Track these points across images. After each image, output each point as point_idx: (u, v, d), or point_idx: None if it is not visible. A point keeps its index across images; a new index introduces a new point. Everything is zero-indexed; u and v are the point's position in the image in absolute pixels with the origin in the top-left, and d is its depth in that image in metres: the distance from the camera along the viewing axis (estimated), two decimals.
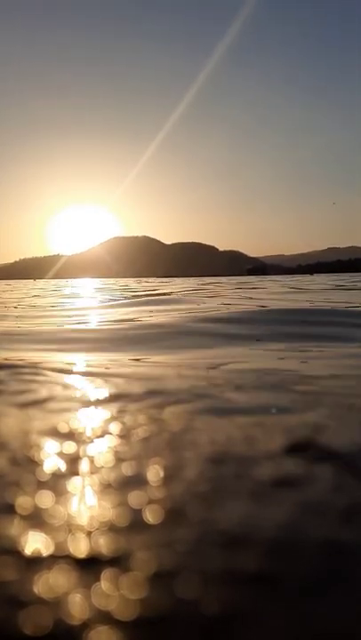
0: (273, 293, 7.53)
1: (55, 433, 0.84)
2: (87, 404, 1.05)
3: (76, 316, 4.28)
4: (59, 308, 5.66)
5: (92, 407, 1.02)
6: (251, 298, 6.27)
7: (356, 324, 2.93)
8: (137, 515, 0.55)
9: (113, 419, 0.92)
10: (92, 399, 1.09)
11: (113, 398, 1.09)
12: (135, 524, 0.53)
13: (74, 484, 0.64)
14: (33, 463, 0.71)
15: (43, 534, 0.51)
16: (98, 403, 1.06)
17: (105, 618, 0.39)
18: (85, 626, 0.38)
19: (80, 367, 1.59)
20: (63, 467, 0.69)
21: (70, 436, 0.82)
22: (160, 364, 1.71)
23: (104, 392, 1.15)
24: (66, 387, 1.23)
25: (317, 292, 7.80)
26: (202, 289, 9.94)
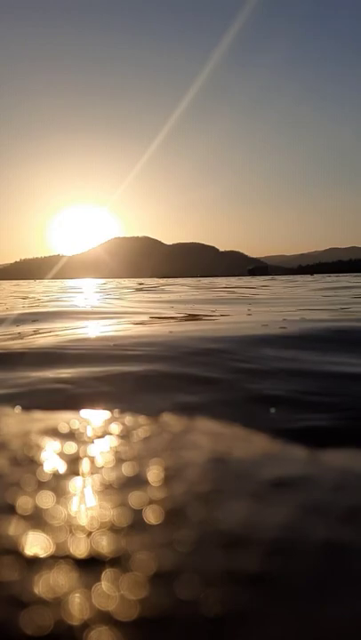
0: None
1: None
2: None
3: None
4: None
5: None
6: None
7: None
8: (137, 514, 0.55)
9: None
10: None
11: None
12: (136, 523, 0.53)
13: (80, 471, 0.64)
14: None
15: (43, 534, 0.51)
16: None
17: (105, 618, 0.39)
18: (86, 626, 0.38)
19: None
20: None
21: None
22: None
23: None
24: None
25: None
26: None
